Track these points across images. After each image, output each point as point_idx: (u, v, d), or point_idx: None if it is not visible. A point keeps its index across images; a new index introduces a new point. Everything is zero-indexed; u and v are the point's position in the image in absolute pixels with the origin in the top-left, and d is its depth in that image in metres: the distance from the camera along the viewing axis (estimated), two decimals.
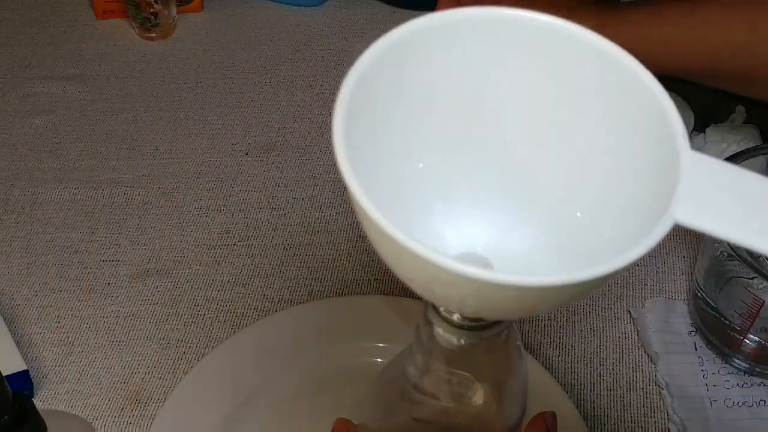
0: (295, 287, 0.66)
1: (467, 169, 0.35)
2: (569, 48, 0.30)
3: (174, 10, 0.87)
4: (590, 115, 0.32)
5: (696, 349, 0.62)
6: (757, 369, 0.59)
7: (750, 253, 0.55)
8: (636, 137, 0.30)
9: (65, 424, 0.55)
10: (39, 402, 0.58)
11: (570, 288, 0.25)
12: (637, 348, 0.62)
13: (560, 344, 0.63)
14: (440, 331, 0.38)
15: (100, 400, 0.59)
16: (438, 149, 0.34)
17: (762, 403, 0.58)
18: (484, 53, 0.31)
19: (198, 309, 0.65)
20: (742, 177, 0.27)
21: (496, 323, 0.37)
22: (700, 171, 0.27)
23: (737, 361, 0.60)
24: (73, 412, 0.58)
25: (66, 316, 0.64)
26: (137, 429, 0.58)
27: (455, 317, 0.37)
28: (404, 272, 0.29)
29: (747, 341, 0.59)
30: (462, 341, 0.38)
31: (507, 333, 0.39)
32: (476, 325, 0.37)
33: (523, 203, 0.35)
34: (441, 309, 0.37)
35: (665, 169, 0.27)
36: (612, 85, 0.30)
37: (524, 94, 0.33)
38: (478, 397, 0.41)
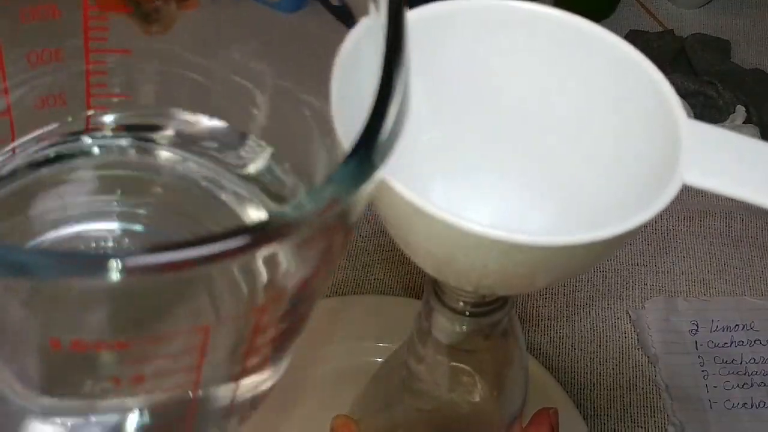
0: None
1: (472, 147, 0.36)
2: (574, 37, 0.33)
3: (173, 6, 0.87)
4: (593, 97, 0.33)
5: (697, 348, 0.62)
6: None
7: None
8: (637, 111, 0.31)
9: None
10: None
11: (599, 246, 0.27)
12: (637, 348, 0.62)
13: (560, 344, 0.63)
14: (442, 319, 0.38)
15: None
16: (443, 125, 0.35)
17: (762, 404, 0.58)
18: (492, 39, 0.33)
19: None
20: (736, 139, 0.29)
21: (497, 309, 0.38)
22: (699, 136, 0.29)
23: None
24: None
25: None
26: None
27: (457, 303, 0.37)
28: (426, 245, 0.29)
29: None
30: (463, 328, 0.38)
31: (507, 321, 0.39)
32: (478, 311, 0.38)
33: (529, 182, 0.36)
34: (442, 293, 0.38)
35: (667, 137, 0.29)
36: (611, 68, 0.32)
37: (530, 78, 0.34)
38: (479, 386, 0.41)
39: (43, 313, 0.22)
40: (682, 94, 0.78)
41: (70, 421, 0.26)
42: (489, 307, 0.37)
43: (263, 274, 0.24)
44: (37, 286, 0.20)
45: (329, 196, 0.21)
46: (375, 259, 0.67)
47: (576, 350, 0.62)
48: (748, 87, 0.80)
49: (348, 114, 0.27)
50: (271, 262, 0.23)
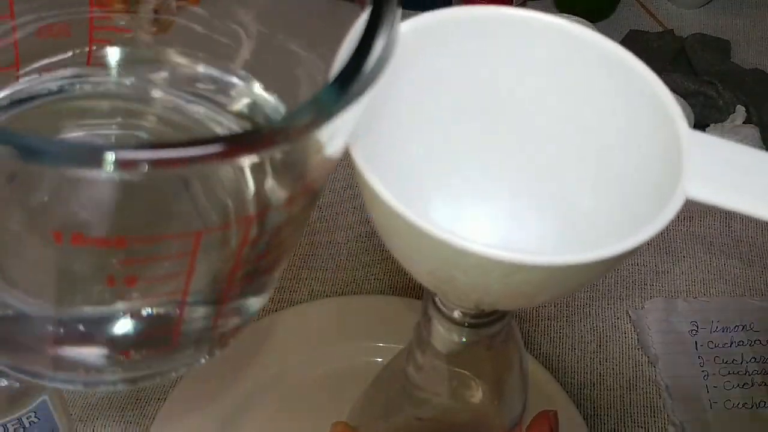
0: (295, 287, 0.66)
1: (471, 153, 0.35)
2: (572, 46, 0.32)
3: (173, 4, 0.87)
4: (593, 107, 0.33)
5: (697, 348, 0.62)
6: None
7: None
8: (637, 123, 0.31)
9: None
10: None
11: (603, 264, 0.26)
12: (637, 348, 0.62)
13: (560, 344, 0.63)
14: (441, 329, 0.38)
15: (100, 400, 0.59)
16: (443, 131, 0.35)
17: (762, 404, 0.58)
18: (490, 48, 0.33)
19: None
20: (738, 150, 0.29)
21: (497, 320, 0.37)
22: (701, 149, 0.28)
23: None
24: (74, 412, 0.58)
25: None
26: (137, 429, 0.58)
27: (456, 314, 0.37)
28: (427, 264, 0.29)
29: None
30: (463, 339, 0.38)
31: (507, 330, 0.39)
32: (477, 322, 0.37)
33: (528, 189, 0.36)
34: (440, 304, 0.37)
35: (669, 150, 0.29)
36: (611, 77, 0.31)
37: (529, 89, 0.33)
38: (479, 394, 0.41)
39: (48, 203, 0.23)
40: (682, 94, 0.78)
41: (60, 326, 0.27)
42: (488, 319, 0.37)
43: (251, 187, 0.26)
44: (44, 174, 0.21)
45: (310, 115, 0.22)
46: (375, 259, 0.67)
47: (576, 350, 0.62)
48: (748, 87, 0.80)
49: None
50: (258, 173, 0.25)
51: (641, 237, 0.26)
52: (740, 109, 0.77)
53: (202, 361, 0.30)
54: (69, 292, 0.27)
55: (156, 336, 0.28)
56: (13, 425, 0.49)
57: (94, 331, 0.27)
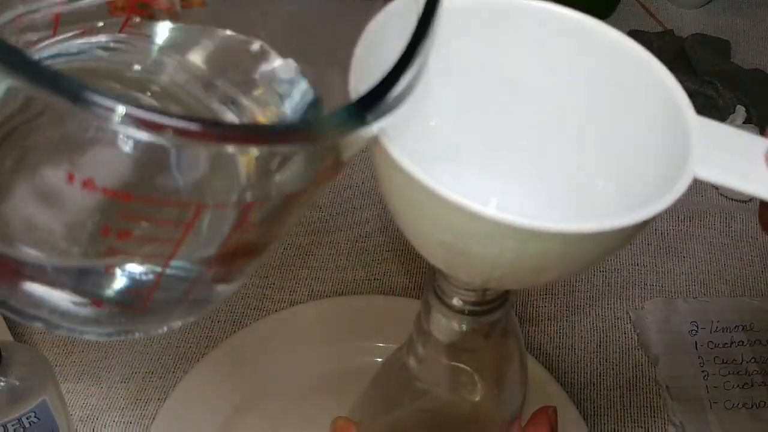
0: (295, 287, 0.66)
1: (481, 136, 0.36)
2: (582, 36, 0.33)
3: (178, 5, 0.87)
4: (602, 93, 0.33)
5: (697, 349, 0.62)
6: None
7: None
8: (646, 110, 0.32)
9: (23, 353, 0.53)
10: None
11: (613, 236, 0.27)
12: (637, 348, 0.62)
13: (560, 344, 0.63)
14: (441, 318, 0.38)
15: (100, 400, 0.59)
16: (451, 114, 0.35)
17: (762, 404, 0.58)
18: (501, 37, 0.33)
19: None
20: (740, 136, 0.30)
21: (496, 308, 0.38)
22: (707, 132, 0.30)
23: None
24: (74, 412, 0.58)
25: None
26: (137, 429, 0.58)
27: (456, 302, 0.37)
28: (440, 235, 0.29)
29: None
30: (463, 327, 0.38)
31: (506, 321, 0.39)
32: (477, 310, 0.38)
33: (536, 175, 0.36)
34: (441, 292, 0.37)
35: (676, 133, 0.30)
36: (620, 66, 0.32)
37: (538, 78, 0.34)
38: (479, 388, 0.42)
39: (69, 146, 0.24)
40: None
41: (50, 263, 0.28)
42: (488, 306, 0.38)
43: (259, 175, 0.27)
44: (68, 114, 0.23)
45: (327, 126, 0.23)
46: (375, 258, 0.67)
47: (576, 350, 0.62)
48: (748, 87, 0.80)
49: (363, 76, 0.27)
50: (269, 164, 0.26)
51: (654, 209, 0.27)
52: (740, 109, 0.77)
53: (160, 331, 0.31)
54: (60, 234, 0.27)
55: (129, 296, 0.29)
56: (13, 425, 0.50)
57: (72, 276, 0.28)
